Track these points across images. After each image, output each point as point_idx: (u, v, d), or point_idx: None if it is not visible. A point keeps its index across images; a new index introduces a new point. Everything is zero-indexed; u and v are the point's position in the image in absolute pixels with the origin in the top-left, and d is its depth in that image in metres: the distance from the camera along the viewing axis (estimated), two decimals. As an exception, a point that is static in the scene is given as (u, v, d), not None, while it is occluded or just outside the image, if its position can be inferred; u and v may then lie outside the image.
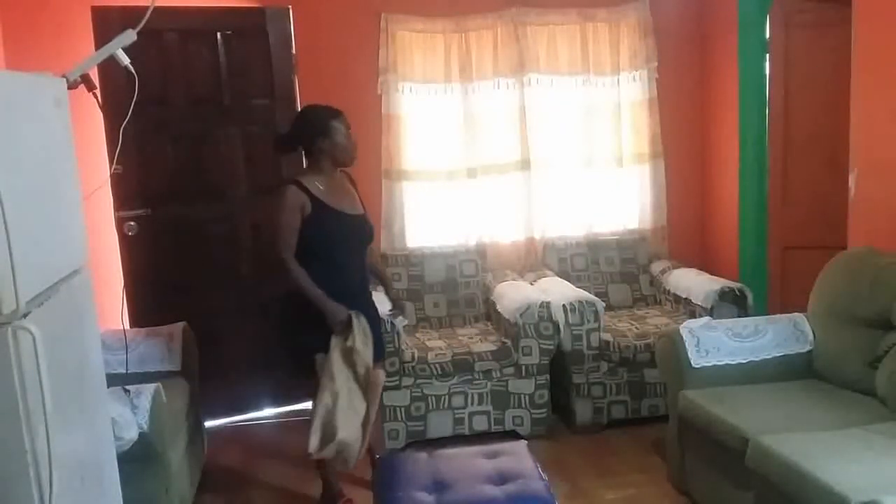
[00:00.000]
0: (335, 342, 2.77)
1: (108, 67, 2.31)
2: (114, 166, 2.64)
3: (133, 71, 2.20)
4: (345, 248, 2.92)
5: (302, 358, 2.85)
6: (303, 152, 2.99)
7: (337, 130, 2.87)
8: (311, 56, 4.05)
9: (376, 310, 3.14)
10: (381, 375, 2.85)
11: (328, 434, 2.74)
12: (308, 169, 2.94)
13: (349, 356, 2.77)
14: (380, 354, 3.16)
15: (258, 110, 3.98)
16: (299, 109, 2.97)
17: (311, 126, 2.89)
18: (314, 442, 2.73)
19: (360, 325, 2.79)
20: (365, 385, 2.80)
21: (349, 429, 2.75)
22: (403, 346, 3.53)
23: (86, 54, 2.26)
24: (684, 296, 4.00)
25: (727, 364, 2.97)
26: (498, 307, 3.86)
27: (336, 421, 2.72)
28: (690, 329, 3.03)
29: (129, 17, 2.29)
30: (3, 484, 1.42)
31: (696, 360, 2.96)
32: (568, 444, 3.63)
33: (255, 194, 4.01)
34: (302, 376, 2.91)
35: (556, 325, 3.62)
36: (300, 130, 2.93)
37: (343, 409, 2.73)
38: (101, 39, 3.34)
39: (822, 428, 2.48)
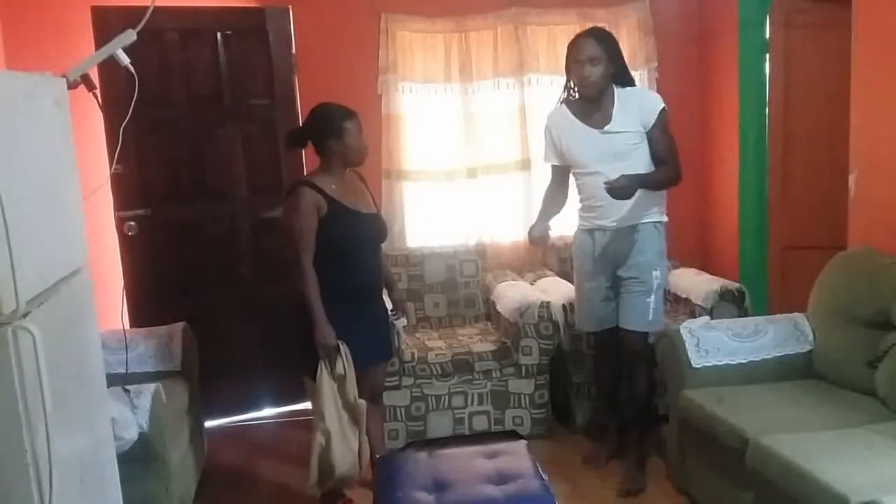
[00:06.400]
0: (321, 371, 2.76)
1: (108, 67, 2.30)
2: (114, 166, 2.63)
3: (133, 71, 2.19)
4: (362, 247, 2.90)
5: (311, 355, 2.80)
6: (314, 150, 2.95)
7: (350, 132, 2.84)
8: (311, 56, 4.05)
9: (386, 309, 3.14)
10: (363, 404, 2.84)
11: (327, 472, 2.78)
12: (320, 169, 2.91)
13: (340, 385, 2.78)
14: (386, 354, 3.17)
15: (258, 110, 3.98)
16: (314, 106, 2.92)
17: (324, 126, 2.85)
18: (314, 478, 2.77)
19: (345, 353, 2.79)
20: (353, 412, 2.81)
21: (346, 462, 2.79)
22: (403, 346, 3.53)
23: (86, 54, 2.26)
24: (684, 296, 3.99)
25: (727, 364, 2.97)
26: (498, 307, 3.86)
27: (333, 459, 2.75)
28: (690, 329, 3.03)
29: (128, 16, 2.28)
30: (3, 484, 1.42)
31: (696, 360, 2.95)
32: (568, 444, 3.63)
33: (256, 194, 4.01)
34: (309, 375, 2.88)
35: (556, 325, 3.62)
36: (313, 129, 2.90)
37: (337, 445, 2.76)
38: (101, 39, 3.34)
39: (822, 428, 2.48)
